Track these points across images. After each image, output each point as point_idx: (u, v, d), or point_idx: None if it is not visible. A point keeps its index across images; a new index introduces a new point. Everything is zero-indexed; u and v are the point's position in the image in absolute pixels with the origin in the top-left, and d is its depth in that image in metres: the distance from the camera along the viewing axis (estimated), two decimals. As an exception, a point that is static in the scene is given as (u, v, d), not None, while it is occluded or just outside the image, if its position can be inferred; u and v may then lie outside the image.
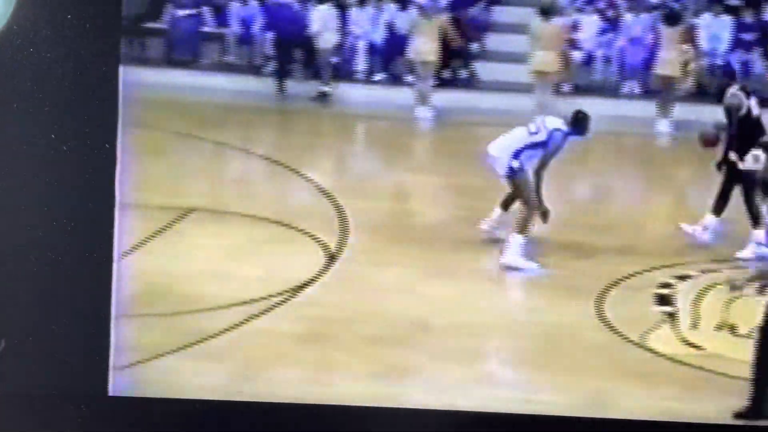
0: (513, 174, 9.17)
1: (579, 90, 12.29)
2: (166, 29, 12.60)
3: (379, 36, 12.79)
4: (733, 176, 9.27)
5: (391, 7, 12.80)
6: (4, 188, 6.75)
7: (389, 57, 12.81)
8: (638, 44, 12.44)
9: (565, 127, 9.24)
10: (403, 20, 12.67)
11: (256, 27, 12.68)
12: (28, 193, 6.79)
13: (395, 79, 12.71)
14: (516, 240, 9.09)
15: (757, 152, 8.94)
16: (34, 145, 6.77)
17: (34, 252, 6.79)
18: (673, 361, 7.76)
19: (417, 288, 8.78)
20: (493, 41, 12.75)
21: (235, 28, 12.73)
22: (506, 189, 9.38)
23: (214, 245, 9.15)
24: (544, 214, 9.27)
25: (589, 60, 12.63)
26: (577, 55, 12.49)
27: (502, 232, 9.32)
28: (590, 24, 12.69)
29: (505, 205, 9.46)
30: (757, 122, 9.26)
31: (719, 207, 9.39)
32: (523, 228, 9.09)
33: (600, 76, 12.61)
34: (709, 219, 9.40)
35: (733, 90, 9.42)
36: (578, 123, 9.28)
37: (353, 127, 12.28)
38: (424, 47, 12.21)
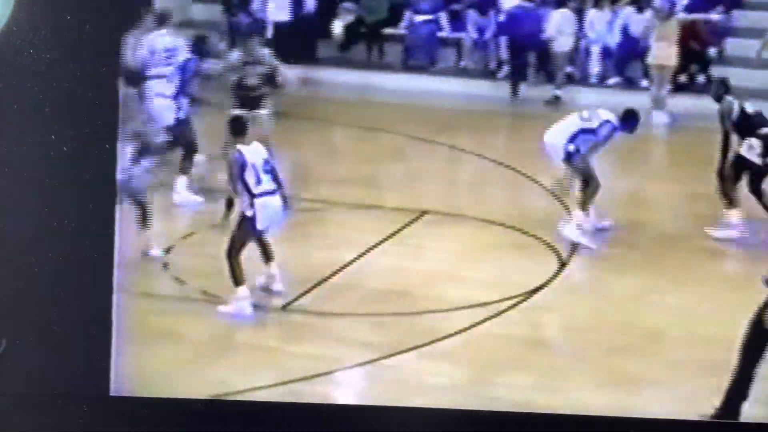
0: (570, 157, 9.65)
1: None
2: (404, 35, 12.79)
3: (613, 39, 12.63)
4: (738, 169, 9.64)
5: (628, 10, 12.63)
6: (4, 189, 6.74)
7: (624, 61, 12.64)
8: None
9: (615, 121, 9.73)
10: (638, 23, 12.48)
11: (492, 32, 12.71)
12: (29, 194, 6.76)
13: (629, 84, 12.54)
14: (578, 215, 9.55)
15: (751, 140, 9.51)
16: (35, 146, 6.74)
17: (35, 252, 6.76)
18: None
19: (650, 297, 8.65)
20: (732, 46, 12.43)
21: (471, 33, 12.80)
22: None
23: (446, 248, 9.24)
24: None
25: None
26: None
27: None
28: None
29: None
30: (753, 117, 9.71)
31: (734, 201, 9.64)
32: (584, 204, 9.59)
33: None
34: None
35: (729, 98, 9.94)
36: (627, 119, 9.79)
37: (586, 131, 12.15)
38: (663, 51, 12.02)
